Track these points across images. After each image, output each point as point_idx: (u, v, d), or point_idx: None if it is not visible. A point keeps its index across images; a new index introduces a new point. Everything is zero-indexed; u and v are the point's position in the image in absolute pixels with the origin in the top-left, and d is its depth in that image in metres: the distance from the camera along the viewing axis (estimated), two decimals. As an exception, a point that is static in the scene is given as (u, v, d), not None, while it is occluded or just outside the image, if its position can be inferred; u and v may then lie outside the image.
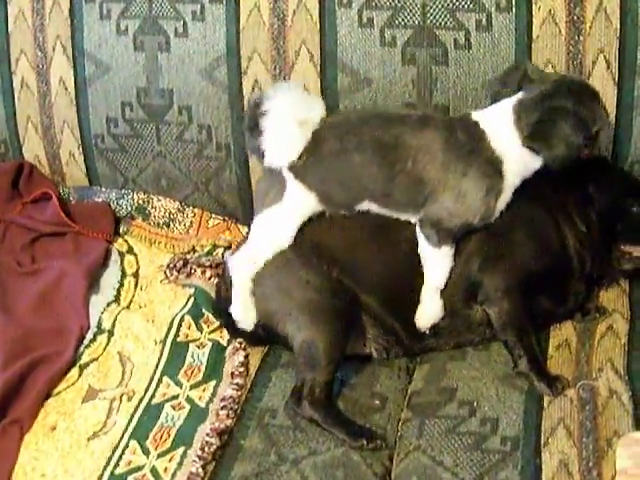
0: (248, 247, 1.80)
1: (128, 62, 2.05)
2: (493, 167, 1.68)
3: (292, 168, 1.74)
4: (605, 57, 1.81)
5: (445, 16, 1.85)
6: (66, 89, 2.12)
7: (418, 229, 1.74)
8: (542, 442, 1.55)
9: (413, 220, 1.76)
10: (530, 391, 1.67)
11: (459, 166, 1.68)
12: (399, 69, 1.88)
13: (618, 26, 1.79)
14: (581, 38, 1.81)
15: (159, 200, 2.15)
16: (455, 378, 1.73)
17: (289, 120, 1.71)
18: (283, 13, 1.92)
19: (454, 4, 1.84)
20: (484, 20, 1.83)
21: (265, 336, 1.81)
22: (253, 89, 1.97)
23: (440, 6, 1.85)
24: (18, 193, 2.22)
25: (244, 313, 1.78)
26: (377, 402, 1.73)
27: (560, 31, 1.81)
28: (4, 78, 2.17)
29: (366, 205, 1.76)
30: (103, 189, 2.19)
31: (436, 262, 1.74)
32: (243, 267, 1.78)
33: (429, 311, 1.76)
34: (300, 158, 1.73)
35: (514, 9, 1.82)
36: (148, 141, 2.10)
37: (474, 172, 1.68)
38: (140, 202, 2.16)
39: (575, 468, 1.50)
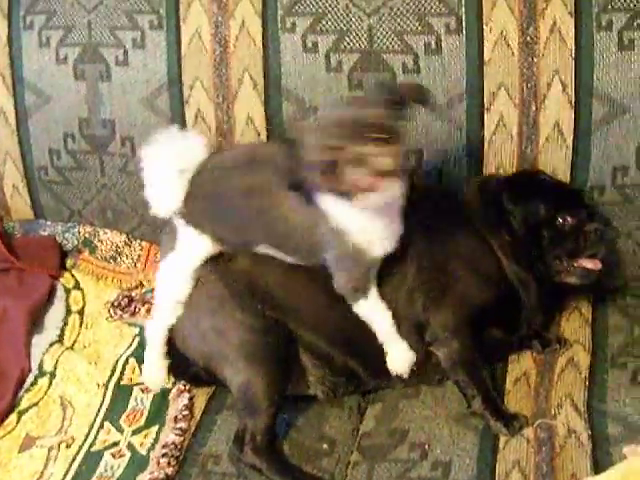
0: (155, 304, 1.78)
1: (69, 92, 2.01)
2: None
3: (181, 214, 1.72)
4: (560, 79, 1.76)
5: (392, 39, 1.79)
6: (7, 120, 2.08)
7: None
8: (494, 487, 1.52)
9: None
10: (485, 431, 1.62)
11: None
12: (345, 95, 1.82)
13: (573, 47, 1.74)
14: (535, 60, 1.76)
15: (105, 233, 2.11)
16: (407, 419, 1.68)
17: (168, 170, 1.69)
18: (225, 39, 1.87)
19: (402, 27, 1.79)
20: (433, 43, 1.78)
21: (208, 378, 1.76)
22: (196, 118, 1.92)
23: (387, 29, 1.79)
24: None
25: (153, 374, 1.75)
26: (325, 446, 1.68)
27: (513, 53, 1.76)
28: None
29: (263, 249, 1.71)
30: (49, 222, 2.14)
31: (369, 313, 1.67)
32: (152, 326, 1.75)
33: (398, 356, 1.68)
34: (186, 204, 1.70)
35: (464, 31, 1.77)
36: (92, 173, 2.06)
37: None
38: (86, 235, 2.12)
39: (529, 514, 1.46)
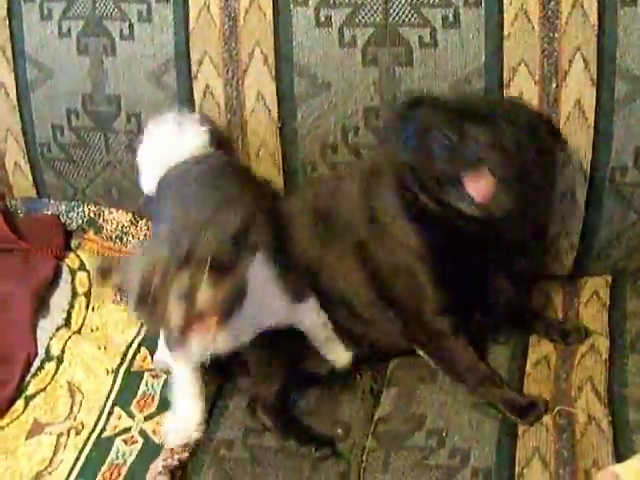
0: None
1: (72, 66, 1.95)
2: None
3: None
4: (583, 55, 1.70)
5: (409, 12, 1.73)
6: (7, 95, 2.03)
7: None
8: (516, 473, 1.48)
9: None
10: (504, 418, 1.59)
11: None
12: (360, 71, 1.77)
13: (596, 22, 1.69)
14: (556, 35, 1.70)
15: (111, 213, 2.07)
16: (424, 404, 1.66)
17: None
18: (235, 12, 1.81)
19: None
20: (451, 16, 1.72)
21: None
22: (205, 94, 1.87)
23: (403, 1, 1.73)
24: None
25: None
26: (339, 430, 1.66)
27: (533, 27, 1.70)
28: (-56, 84, 2.10)
29: None
30: (52, 201, 2.11)
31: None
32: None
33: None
34: None
35: (483, 4, 1.70)
36: (96, 150, 2.01)
37: None
38: (91, 215, 2.08)
39: (552, 501, 1.44)
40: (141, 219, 2.05)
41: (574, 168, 1.77)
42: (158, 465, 1.58)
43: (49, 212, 2.11)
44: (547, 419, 1.57)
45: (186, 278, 1.28)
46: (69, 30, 1.93)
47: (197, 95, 1.89)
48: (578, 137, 1.75)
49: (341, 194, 1.75)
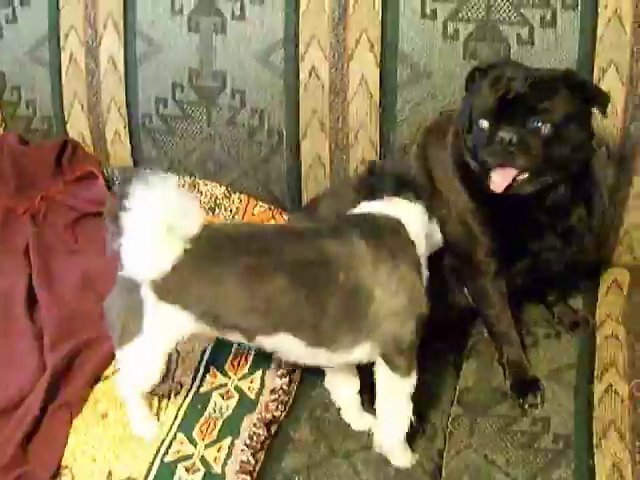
0: (123, 375, 1.72)
1: (181, 42, 2.09)
2: (412, 250, 1.63)
3: (155, 287, 1.54)
4: (666, 60, 1.86)
5: (510, 11, 1.88)
6: (115, 67, 2.17)
7: (381, 366, 1.60)
8: (594, 443, 1.60)
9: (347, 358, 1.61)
10: (579, 387, 1.72)
11: (386, 254, 1.59)
12: (460, 63, 1.91)
13: (684, 29, 1.84)
14: (645, 38, 1.86)
15: (205, 184, 2.19)
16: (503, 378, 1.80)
17: (157, 227, 1.49)
18: (345, 1, 1.96)
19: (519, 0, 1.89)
20: (549, 16, 1.87)
21: None
22: (310, 75, 2.01)
23: (505, 1, 1.88)
24: (61, 170, 2.27)
25: (145, 426, 1.71)
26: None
27: (625, 31, 1.85)
28: (52, 54, 2.21)
29: (280, 339, 1.58)
30: (148, 171, 2.16)
31: (401, 400, 1.62)
32: (126, 391, 1.71)
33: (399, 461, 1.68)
34: (172, 274, 1.53)
35: (580, 7, 1.86)
36: (198, 123, 2.14)
37: (401, 261, 1.59)
38: (186, 186, 2.19)
39: (628, 472, 1.55)
40: (234, 192, 2.17)
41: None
42: (253, 418, 1.70)
43: (144, 181, 2.24)
44: (623, 391, 1.69)
45: None
46: (181, 8, 2.07)
47: (302, 76, 2.02)
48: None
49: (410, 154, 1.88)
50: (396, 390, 1.61)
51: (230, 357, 1.83)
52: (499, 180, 1.68)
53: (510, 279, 1.82)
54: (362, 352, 1.59)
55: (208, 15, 2.05)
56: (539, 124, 1.63)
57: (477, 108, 1.69)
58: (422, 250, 1.63)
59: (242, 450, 1.63)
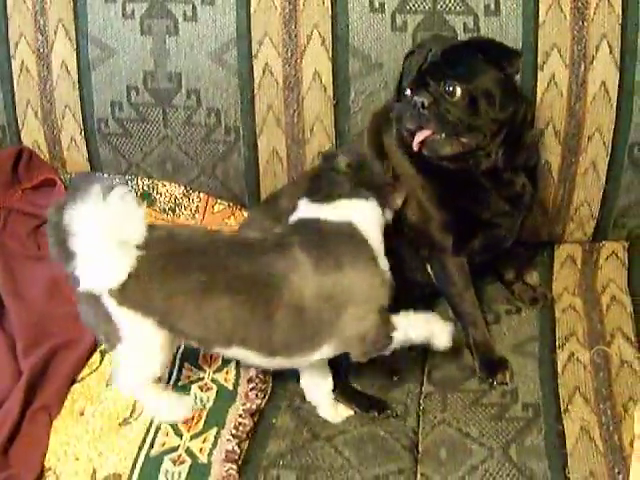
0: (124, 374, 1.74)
1: (134, 46, 2.12)
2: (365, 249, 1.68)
3: (113, 293, 1.59)
4: (608, 42, 1.96)
5: (455, 1, 1.97)
6: (68, 73, 2.18)
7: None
8: (562, 409, 1.70)
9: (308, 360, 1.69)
10: (543, 358, 1.82)
11: (330, 266, 1.63)
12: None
13: (620, 13, 1.94)
14: (585, 23, 1.95)
15: (164, 185, 2.23)
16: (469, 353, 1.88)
17: (107, 244, 1.54)
18: (295, -4, 2.05)
19: (463, -11, 2.00)
20: (492, 5, 1.96)
21: None
22: (264, 72, 2.06)
23: (451, -9, 2.00)
24: (17, 179, 2.27)
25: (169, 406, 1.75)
26: (395, 378, 1.84)
27: (565, 16, 1.95)
28: (2, 63, 2.21)
29: (236, 351, 1.67)
30: (106, 175, 2.24)
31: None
32: (130, 386, 1.74)
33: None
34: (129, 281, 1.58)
35: (522, -7, 1.98)
36: (154, 125, 2.17)
37: (350, 267, 1.64)
38: (145, 188, 2.23)
39: (596, 433, 1.65)
40: (193, 191, 2.22)
41: (597, 143, 2.03)
42: (239, 408, 1.74)
43: (102, 185, 2.25)
44: (585, 357, 1.80)
45: None
46: (133, 12, 2.10)
47: (257, 73, 2.07)
48: (602, 115, 2.01)
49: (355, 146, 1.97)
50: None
51: (202, 353, 1.85)
52: (415, 138, 1.79)
53: (468, 258, 1.89)
54: (323, 353, 1.66)
55: (160, 18, 2.09)
56: (450, 88, 1.74)
57: (404, 80, 1.80)
58: (377, 244, 1.69)
59: (228, 440, 1.67)
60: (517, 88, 1.85)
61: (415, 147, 1.78)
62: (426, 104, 1.74)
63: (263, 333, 1.61)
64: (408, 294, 1.83)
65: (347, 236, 1.65)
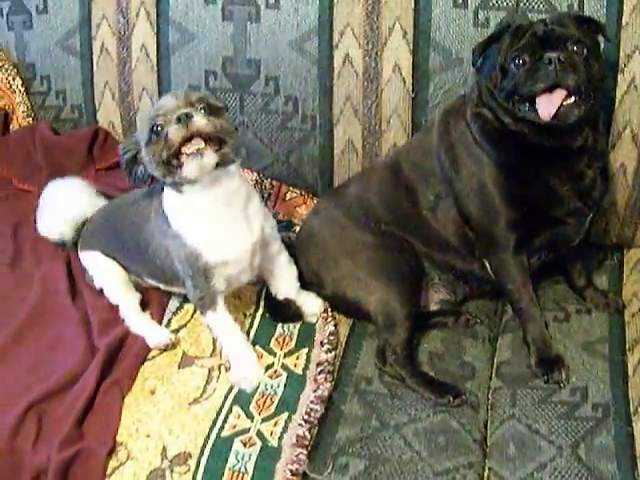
0: None
1: (215, 31, 2.16)
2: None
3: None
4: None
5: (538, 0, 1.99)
6: (147, 56, 2.23)
7: None
8: (632, 410, 1.71)
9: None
10: (612, 358, 1.83)
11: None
12: (491, 49, 2.04)
13: None
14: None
15: (238, 170, 2.28)
16: (540, 352, 1.91)
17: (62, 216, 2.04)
18: (378, -12, 2.06)
19: (545, -13, 2.00)
20: (576, 4, 1.96)
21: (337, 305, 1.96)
22: (344, 63, 2.09)
23: (529, -10, 2.00)
24: (92, 159, 2.34)
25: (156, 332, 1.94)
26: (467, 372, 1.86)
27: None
28: (83, 43, 2.28)
29: (148, 280, 1.97)
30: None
31: (216, 326, 1.86)
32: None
33: (242, 368, 1.83)
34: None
35: (603, -7, 1.98)
36: (231, 111, 2.20)
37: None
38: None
39: (666, 439, 1.67)
40: (266, 178, 2.25)
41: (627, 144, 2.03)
42: (310, 395, 1.76)
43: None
44: (653, 359, 1.82)
45: (184, 110, 1.66)
46: (215, -1, 2.17)
47: (337, 63, 2.11)
48: (632, 113, 2.00)
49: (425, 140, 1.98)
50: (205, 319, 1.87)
51: (275, 336, 1.91)
52: (546, 105, 1.76)
53: (532, 254, 1.91)
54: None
55: (242, 4, 2.13)
56: (575, 47, 1.75)
57: (508, 52, 1.78)
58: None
59: (300, 424, 1.70)
60: None
61: (548, 114, 1.75)
62: (562, 58, 1.74)
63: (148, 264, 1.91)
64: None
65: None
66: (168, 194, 1.75)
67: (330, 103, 2.12)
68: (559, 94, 1.75)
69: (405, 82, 2.07)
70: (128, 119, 2.31)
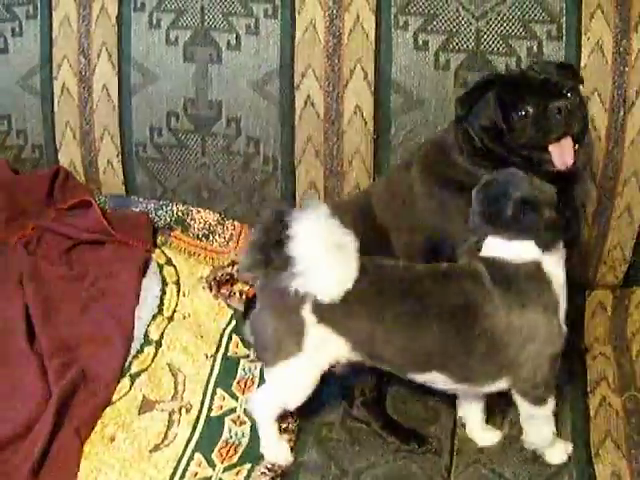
0: (268, 392, 1.77)
1: (177, 72, 2.17)
2: (548, 292, 1.68)
3: (317, 310, 1.64)
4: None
5: (498, 42, 2.00)
6: (109, 96, 2.22)
7: (518, 399, 1.71)
8: (592, 453, 1.71)
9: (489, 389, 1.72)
10: (573, 403, 1.82)
11: (516, 302, 1.65)
12: (451, 91, 2.02)
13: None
14: (627, 69, 1.98)
15: (198, 212, 2.26)
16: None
17: (332, 247, 1.60)
18: (339, 31, 2.05)
19: (507, 31, 1.99)
20: (535, 47, 1.99)
21: None
22: (306, 104, 2.09)
23: (494, 32, 1.99)
24: (52, 200, 2.31)
25: (278, 450, 1.77)
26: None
27: (607, 61, 1.98)
28: (44, 83, 2.26)
29: (431, 376, 1.70)
30: (141, 199, 2.28)
31: (539, 421, 1.73)
32: (266, 410, 1.76)
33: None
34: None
35: (564, 37, 1.98)
36: (193, 152, 2.21)
37: (532, 307, 1.65)
38: (179, 214, 2.26)
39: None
40: (228, 219, 2.24)
41: (632, 187, 2.05)
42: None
43: (137, 209, 2.28)
44: (616, 403, 1.80)
45: None
46: (177, 39, 2.14)
47: (298, 104, 2.11)
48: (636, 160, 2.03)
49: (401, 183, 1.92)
50: (534, 415, 1.71)
51: (237, 379, 1.89)
52: (560, 154, 1.76)
53: None
54: (500, 386, 1.70)
55: (203, 45, 2.12)
56: (571, 95, 1.77)
57: (508, 103, 1.76)
58: (559, 286, 1.68)
59: (262, 473, 1.68)
60: None
61: (567, 163, 1.74)
62: (569, 107, 1.74)
63: (462, 360, 1.66)
64: None
65: (532, 276, 1.65)
66: None
67: (292, 144, 2.12)
68: (569, 142, 1.76)
69: (366, 123, 2.08)
70: (89, 159, 2.29)
